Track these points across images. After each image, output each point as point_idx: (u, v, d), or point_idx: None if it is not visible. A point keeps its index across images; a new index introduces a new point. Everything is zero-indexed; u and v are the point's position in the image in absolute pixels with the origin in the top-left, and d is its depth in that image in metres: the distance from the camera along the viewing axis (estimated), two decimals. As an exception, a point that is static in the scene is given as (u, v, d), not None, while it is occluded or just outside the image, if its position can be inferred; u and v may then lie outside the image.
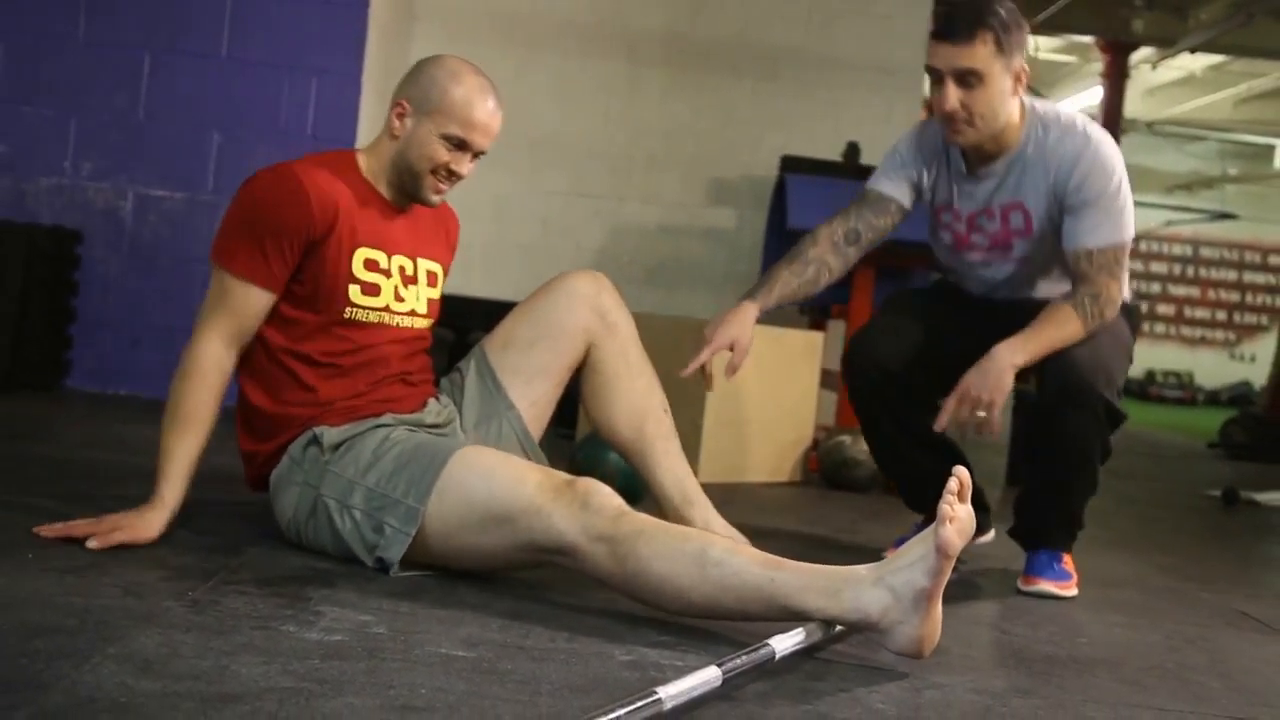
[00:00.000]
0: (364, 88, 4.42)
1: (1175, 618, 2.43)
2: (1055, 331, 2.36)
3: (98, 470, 2.78)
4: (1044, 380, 2.36)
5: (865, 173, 5.25)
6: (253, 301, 2.10)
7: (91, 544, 1.92)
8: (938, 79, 2.36)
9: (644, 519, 1.86)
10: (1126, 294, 2.50)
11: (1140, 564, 3.12)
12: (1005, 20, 2.33)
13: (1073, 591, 2.48)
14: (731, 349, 2.46)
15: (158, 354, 4.38)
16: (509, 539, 1.92)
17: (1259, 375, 13.95)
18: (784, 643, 1.68)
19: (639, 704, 1.35)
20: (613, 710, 1.32)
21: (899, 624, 1.71)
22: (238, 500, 2.53)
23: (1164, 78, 13.82)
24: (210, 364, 2.09)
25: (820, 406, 4.23)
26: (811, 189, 5.05)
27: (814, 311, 5.30)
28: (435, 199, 2.21)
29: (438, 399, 2.32)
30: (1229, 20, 9.43)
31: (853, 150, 5.38)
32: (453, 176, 2.17)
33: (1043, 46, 11.05)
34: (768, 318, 5.33)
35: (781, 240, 5.18)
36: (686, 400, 3.64)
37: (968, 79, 2.33)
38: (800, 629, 1.74)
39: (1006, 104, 2.38)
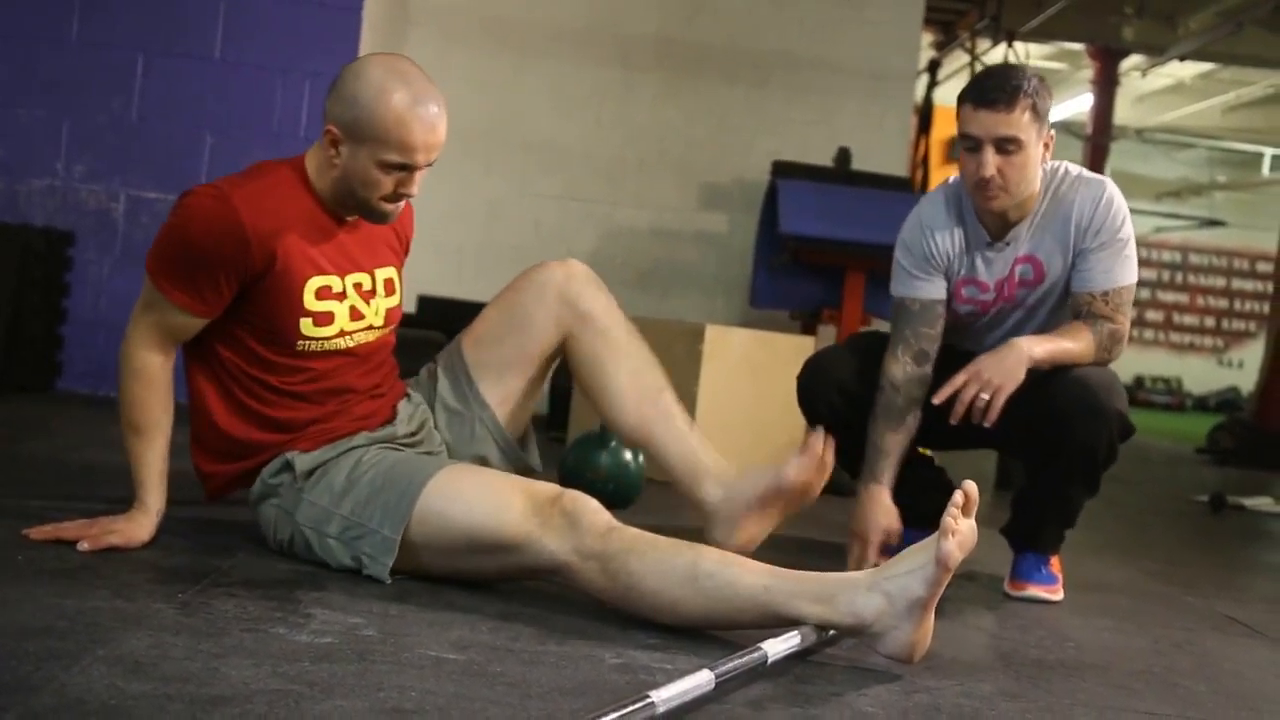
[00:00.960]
0: (356, 91, 4.42)
1: (1162, 622, 2.44)
2: (1071, 344, 2.38)
3: (89, 472, 2.78)
4: (1057, 387, 2.35)
5: (856, 179, 5.29)
6: (185, 322, 2.04)
7: (83, 546, 1.92)
8: (974, 146, 2.36)
9: (634, 534, 1.85)
10: None
11: (1128, 568, 3.14)
12: (1039, 89, 2.37)
13: (1059, 595, 2.49)
14: (887, 537, 2.46)
15: (148, 356, 4.37)
16: (499, 563, 1.92)
17: (1247, 381, 14.01)
18: (776, 646, 1.69)
19: (632, 707, 1.36)
20: (606, 714, 1.33)
21: (892, 629, 1.72)
22: (228, 503, 2.52)
23: (1154, 85, 13.87)
24: (156, 367, 2.06)
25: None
26: (803, 194, 5.07)
27: (805, 316, 5.31)
28: (393, 217, 2.09)
29: (409, 397, 2.27)
30: (1218, 29, 9.47)
31: (844, 156, 5.40)
32: (403, 197, 2.04)
33: (1033, 53, 11.09)
34: (759, 321, 5.33)
35: (772, 245, 5.20)
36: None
37: (1006, 146, 2.34)
38: (794, 632, 1.74)
39: (1038, 170, 2.41)
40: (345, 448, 2.07)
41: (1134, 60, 12.34)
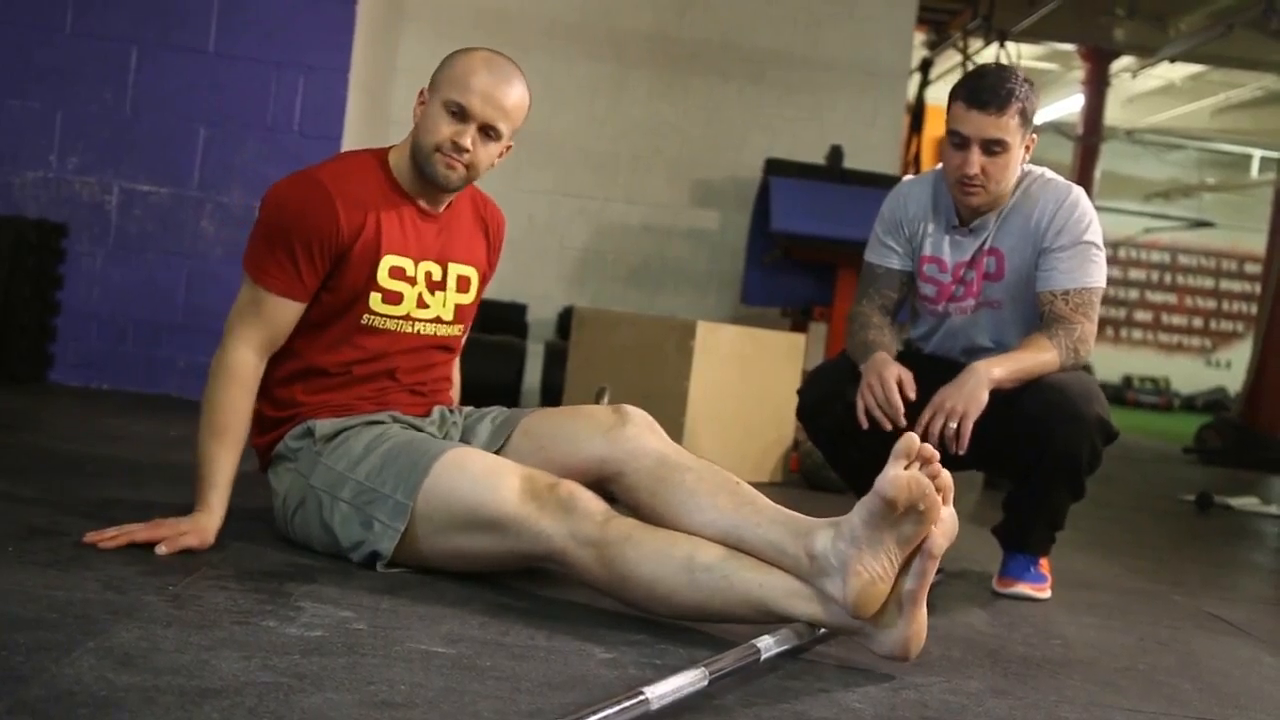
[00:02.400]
0: (351, 84, 4.42)
1: (1148, 620, 2.46)
2: (1032, 357, 2.39)
3: (83, 464, 2.77)
4: (1033, 397, 2.36)
5: (848, 177, 5.30)
6: (286, 313, 2.10)
7: (161, 550, 1.93)
8: (961, 143, 2.42)
9: (630, 523, 1.86)
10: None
11: (1115, 567, 3.15)
12: (1029, 94, 2.43)
13: (1047, 594, 2.51)
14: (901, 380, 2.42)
15: (142, 349, 4.37)
16: (495, 544, 1.92)
17: (1234, 381, 14.06)
18: (769, 644, 1.69)
19: (626, 704, 1.36)
20: (600, 710, 1.33)
21: (886, 627, 1.73)
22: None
23: (1144, 86, 13.90)
24: (247, 372, 2.09)
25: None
26: (795, 192, 5.08)
27: (796, 313, 5.32)
28: (449, 176, 2.11)
29: (451, 410, 2.29)
30: (1208, 30, 9.50)
31: (836, 154, 5.41)
32: (460, 151, 2.08)
33: (1025, 54, 11.11)
34: (750, 318, 5.34)
35: (764, 242, 5.21)
36: (668, 399, 3.66)
37: (993, 147, 2.41)
38: (786, 629, 1.75)
39: (1017, 170, 2.48)
40: (367, 419, 2.12)
41: (1125, 61, 12.37)
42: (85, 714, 1.23)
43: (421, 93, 2.15)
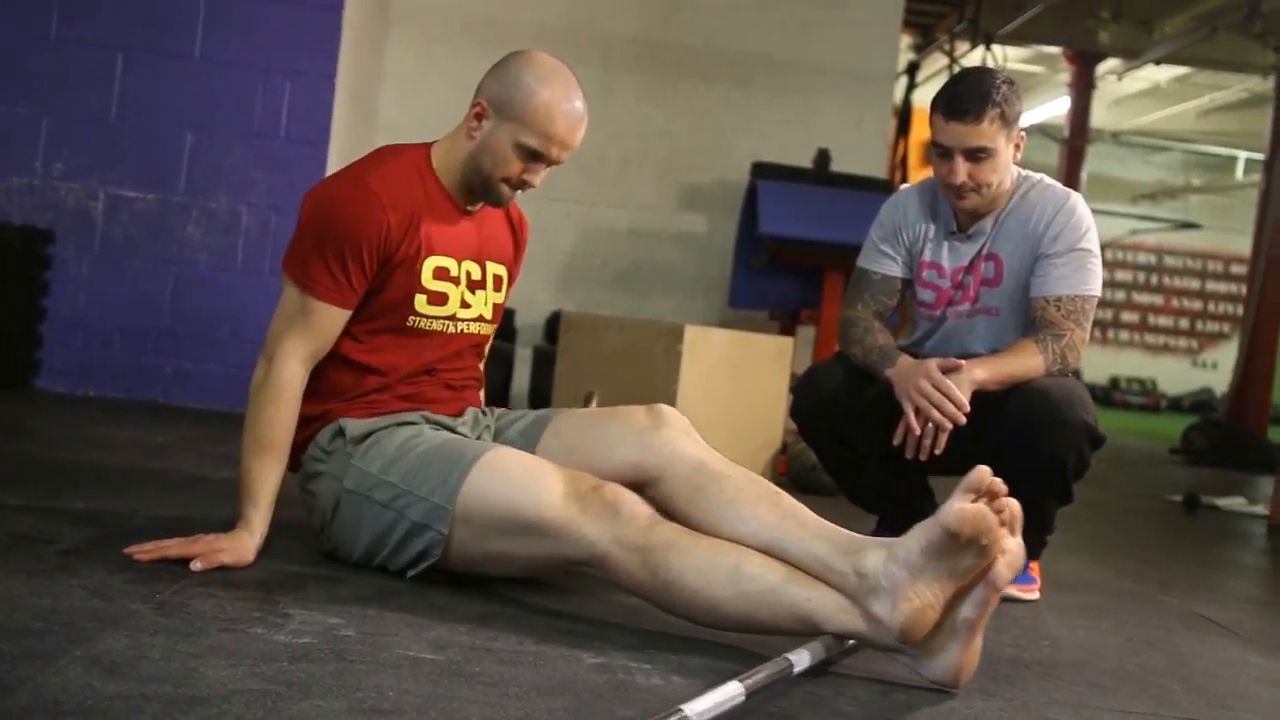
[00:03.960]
0: (338, 90, 4.42)
1: (1136, 621, 2.46)
2: (1017, 360, 2.39)
3: (67, 471, 2.76)
4: (1020, 403, 2.37)
5: (835, 180, 5.31)
6: (334, 321, 2.05)
7: (196, 566, 1.89)
8: (945, 154, 2.44)
9: (676, 529, 1.82)
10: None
11: (1103, 568, 3.16)
12: (1008, 94, 2.42)
13: (1036, 595, 2.51)
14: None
15: (129, 355, 4.36)
16: (535, 547, 1.87)
17: (1220, 382, 14.12)
18: (803, 658, 1.67)
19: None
20: None
21: (937, 652, 1.70)
22: (205, 501, 2.52)
23: (1129, 89, 13.97)
24: (295, 389, 2.03)
25: (789, 410, 4.25)
26: (782, 195, 5.09)
27: (784, 317, 5.33)
28: (506, 204, 2.16)
29: (483, 413, 2.25)
30: (1193, 33, 9.55)
31: (823, 157, 5.42)
32: (524, 185, 2.10)
33: (1011, 56, 11.15)
34: (738, 322, 5.34)
35: (752, 245, 5.21)
36: (655, 401, 3.65)
37: (977, 154, 2.42)
38: (816, 642, 1.72)
39: (1009, 169, 2.49)
40: (399, 420, 2.08)
41: (1110, 64, 12.43)
42: (71, 723, 1.23)
43: (481, 104, 2.07)
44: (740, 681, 1.51)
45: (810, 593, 1.73)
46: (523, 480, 1.87)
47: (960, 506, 1.63)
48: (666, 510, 1.93)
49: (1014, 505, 1.68)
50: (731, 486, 1.90)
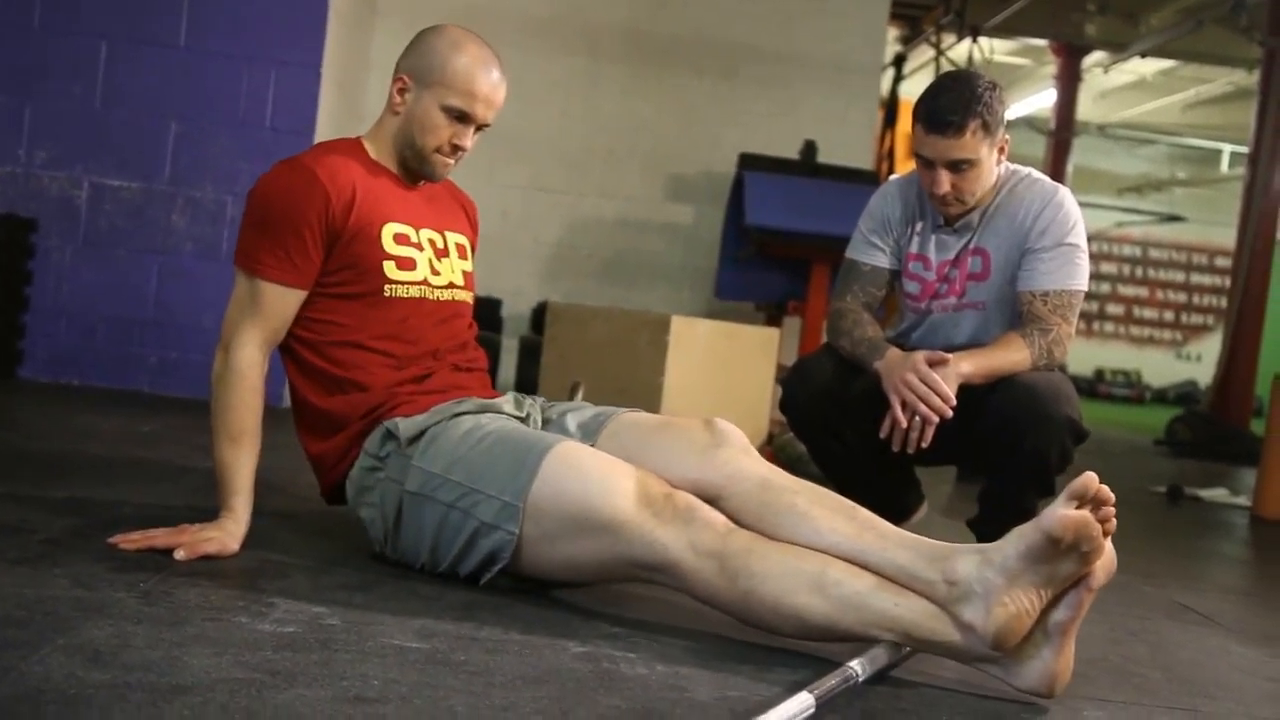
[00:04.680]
0: (323, 79, 4.40)
1: (1119, 610, 2.48)
2: (1003, 354, 2.39)
3: (53, 461, 2.75)
4: (1003, 397, 2.37)
5: (821, 171, 5.31)
6: (286, 303, 2.05)
7: (180, 555, 1.89)
8: (928, 165, 2.43)
9: (754, 536, 1.77)
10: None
11: (1086, 559, 3.17)
12: (989, 103, 2.40)
13: (1019, 585, 2.52)
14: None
15: (113, 345, 4.34)
16: (606, 551, 1.80)
17: (1204, 374, 14.18)
18: (865, 666, 1.65)
19: None
20: None
21: (1028, 659, 1.67)
22: (190, 491, 2.51)
23: (1115, 81, 14.00)
24: (255, 373, 2.03)
25: (775, 401, 4.26)
26: (769, 186, 5.09)
27: (770, 308, 5.34)
28: (441, 172, 2.17)
29: (521, 397, 2.21)
30: (1179, 26, 9.58)
31: (809, 149, 5.42)
32: (457, 150, 2.12)
33: (997, 49, 11.18)
34: (724, 313, 5.33)
35: (738, 237, 5.22)
36: (643, 394, 3.66)
37: (960, 166, 2.41)
38: (877, 649, 1.70)
39: (992, 175, 2.48)
40: (452, 412, 2.02)
41: (1096, 56, 12.47)
42: (54, 711, 1.22)
43: (401, 79, 2.11)
44: (810, 692, 1.50)
45: (899, 599, 1.69)
46: (597, 479, 1.80)
47: (1065, 513, 1.59)
48: (738, 517, 1.84)
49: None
50: (803, 501, 1.83)
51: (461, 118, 2.09)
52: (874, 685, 1.68)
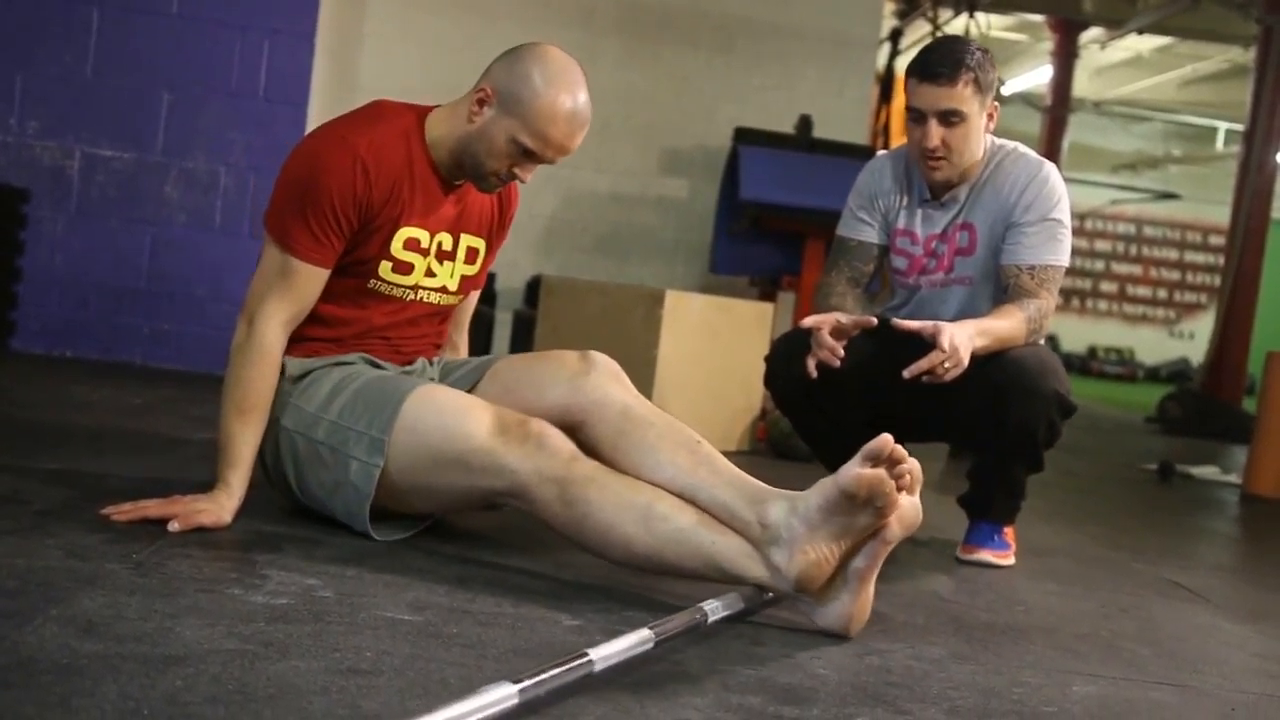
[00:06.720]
0: (317, 49, 4.37)
1: (1109, 587, 2.49)
2: (1004, 324, 2.38)
3: (45, 432, 2.74)
4: (992, 371, 2.37)
5: (816, 146, 5.29)
6: (315, 282, 2.05)
7: (174, 527, 1.90)
8: (918, 118, 2.44)
9: (596, 465, 1.88)
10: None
11: (1076, 534, 3.19)
12: (982, 61, 2.43)
13: (1010, 561, 2.54)
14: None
15: (105, 316, 4.33)
16: (462, 479, 1.92)
17: (1197, 353, 14.21)
18: (716, 607, 1.72)
19: (570, 664, 1.37)
20: (545, 670, 1.34)
21: (830, 600, 1.77)
22: (182, 463, 2.51)
23: (1112, 58, 13.95)
24: (277, 351, 2.03)
25: (769, 378, 4.26)
26: (764, 161, 5.07)
27: (764, 283, 5.33)
28: (492, 191, 2.17)
29: (431, 363, 2.28)
30: (1176, 2, 9.55)
31: (805, 123, 5.40)
32: (513, 179, 2.12)
33: (994, 24, 11.13)
34: (718, 287, 5.32)
35: (733, 211, 5.21)
36: (637, 368, 3.65)
37: (950, 118, 2.42)
38: (734, 593, 1.78)
39: (980, 139, 2.49)
40: (337, 360, 2.11)
41: (1093, 33, 12.42)
42: (47, 681, 1.23)
43: (485, 90, 2.05)
44: (650, 628, 1.54)
45: (716, 537, 1.80)
46: (452, 413, 1.92)
47: (859, 471, 1.69)
48: (593, 453, 1.97)
49: (914, 468, 1.74)
50: (654, 433, 1.96)
51: (528, 155, 2.07)
52: (749, 629, 1.69)
